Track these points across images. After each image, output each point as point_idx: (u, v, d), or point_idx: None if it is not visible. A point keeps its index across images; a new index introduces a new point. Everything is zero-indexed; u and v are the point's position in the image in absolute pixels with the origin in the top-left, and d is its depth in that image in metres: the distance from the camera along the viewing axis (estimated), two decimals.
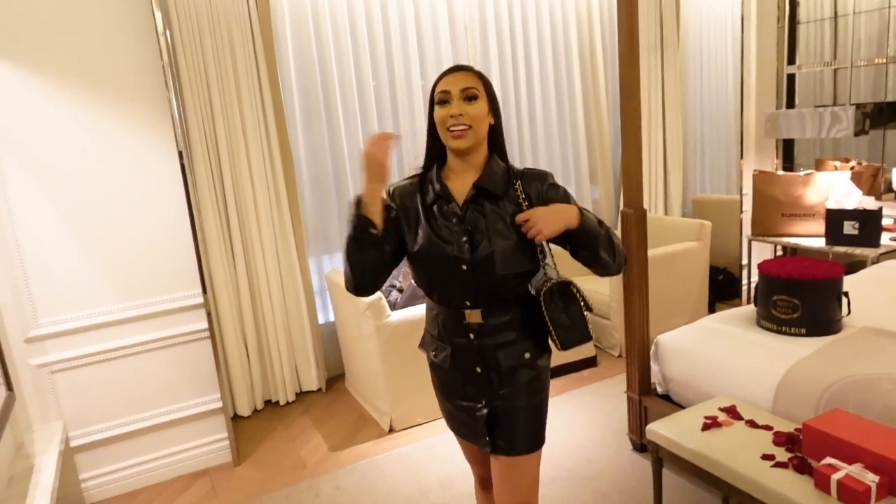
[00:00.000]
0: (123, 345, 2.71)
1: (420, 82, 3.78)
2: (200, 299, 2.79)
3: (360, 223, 1.47)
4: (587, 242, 1.49)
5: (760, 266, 2.51)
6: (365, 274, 1.52)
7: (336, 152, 3.68)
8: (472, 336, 1.55)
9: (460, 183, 1.55)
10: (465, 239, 1.49)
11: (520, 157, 4.18)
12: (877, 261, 3.35)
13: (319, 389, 3.62)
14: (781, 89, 4.13)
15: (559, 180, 1.66)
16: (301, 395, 3.60)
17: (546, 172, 1.61)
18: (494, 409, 1.59)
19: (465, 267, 1.49)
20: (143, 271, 2.73)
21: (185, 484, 2.81)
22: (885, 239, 3.46)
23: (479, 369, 1.58)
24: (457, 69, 1.52)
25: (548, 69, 4.19)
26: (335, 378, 3.78)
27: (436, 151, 1.58)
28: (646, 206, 2.65)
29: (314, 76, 3.56)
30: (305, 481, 2.73)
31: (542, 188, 1.56)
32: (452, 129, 1.48)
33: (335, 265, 3.89)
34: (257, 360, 3.43)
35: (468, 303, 1.53)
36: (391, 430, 3.09)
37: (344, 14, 3.54)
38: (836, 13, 3.90)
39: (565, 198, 1.55)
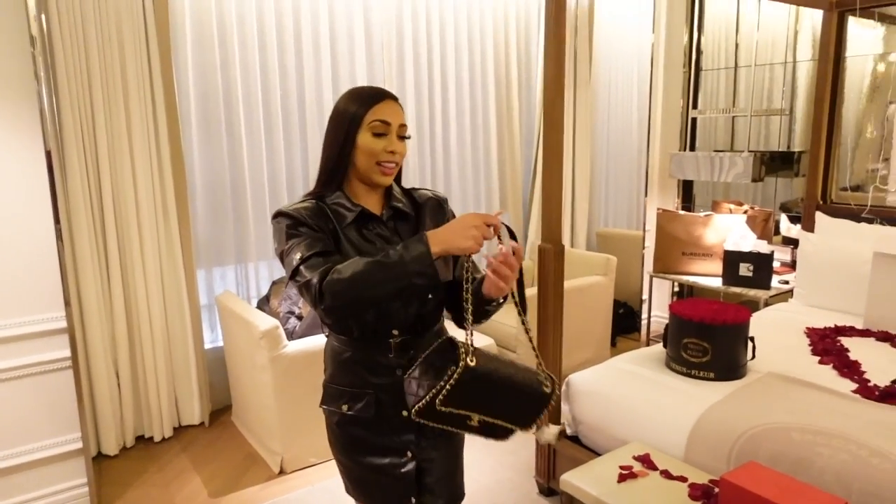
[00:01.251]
0: None
1: (331, 97, 3.58)
2: (63, 323, 2.41)
3: (425, 271, 1.23)
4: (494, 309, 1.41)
5: (672, 307, 2.50)
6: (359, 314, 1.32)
7: (235, 163, 3.39)
8: (398, 373, 1.40)
9: (367, 206, 1.43)
10: None
11: (431, 179, 4.06)
12: (767, 303, 3.50)
13: (202, 423, 3.27)
14: (685, 132, 4.29)
15: (470, 206, 1.59)
16: (180, 429, 3.23)
17: (443, 198, 1.55)
18: (421, 461, 1.45)
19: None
20: None
21: None
22: (774, 281, 3.63)
23: (405, 412, 1.41)
24: (391, 97, 1.39)
25: (464, 94, 4.12)
26: (221, 410, 3.43)
27: (340, 174, 1.40)
28: None
29: (215, 82, 3.26)
30: None
31: (443, 218, 1.49)
32: (385, 164, 1.36)
33: (227, 284, 3.57)
34: (130, 389, 3.04)
35: (396, 331, 1.40)
36: (282, 472, 2.81)
37: (252, 20, 3.29)
38: (736, 64, 4.10)
39: None
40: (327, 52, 3.54)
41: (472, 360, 1.21)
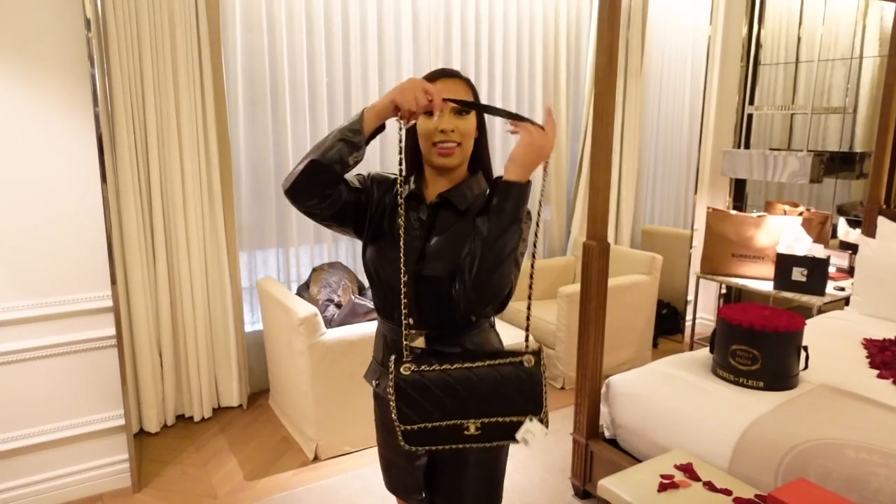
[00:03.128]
0: (10, 349, 2.34)
1: (377, 84, 3.55)
2: (109, 302, 2.46)
3: (354, 125, 1.25)
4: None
5: (721, 312, 2.40)
6: (310, 178, 1.26)
7: (279, 148, 3.40)
8: None
9: (433, 193, 1.39)
10: (417, 246, 1.34)
11: None
12: (821, 310, 3.35)
13: (240, 406, 3.31)
14: (740, 128, 4.12)
15: None
16: (219, 410, 3.28)
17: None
18: (438, 458, 1.40)
19: (405, 277, 1.31)
20: (44, 266, 2.38)
21: None
22: (829, 288, 3.47)
23: None
24: (447, 75, 1.34)
25: (510, 83, 4.05)
26: (259, 394, 3.47)
27: (416, 159, 1.39)
28: None
29: (262, 66, 3.27)
30: None
31: None
32: (441, 145, 1.30)
33: (268, 268, 3.60)
34: (172, 369, 3.10)
35: (411, 321, 1.35)
36: (316, 459, 2.83)
37: (301, 4, 3.28)
38: (797, 59, 3.91)
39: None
40: (374, 38, 3.51)
41: (405, 371, 1.24)
